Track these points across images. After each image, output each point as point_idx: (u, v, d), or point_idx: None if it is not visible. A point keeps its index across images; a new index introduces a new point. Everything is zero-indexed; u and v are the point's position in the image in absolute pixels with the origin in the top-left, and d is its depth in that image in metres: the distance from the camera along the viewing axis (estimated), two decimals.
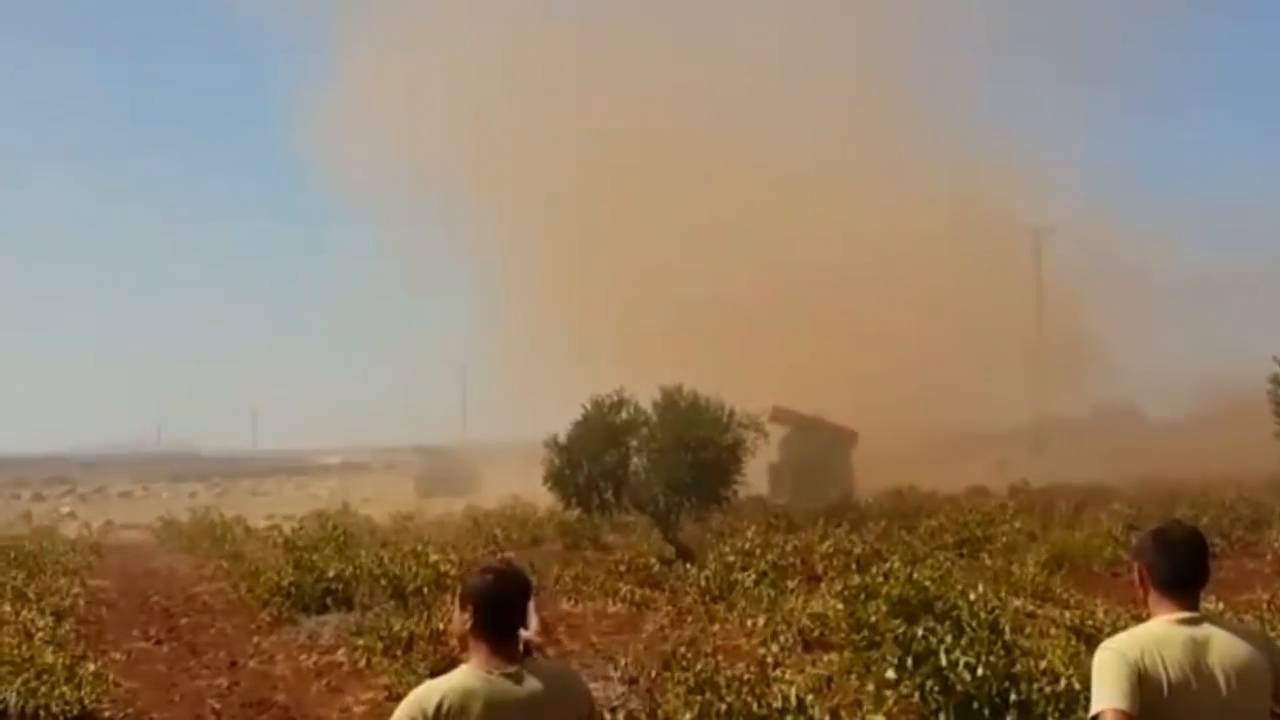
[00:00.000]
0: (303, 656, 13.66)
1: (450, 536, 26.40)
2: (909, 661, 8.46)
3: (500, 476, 49.54)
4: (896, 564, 12.35)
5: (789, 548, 17.93)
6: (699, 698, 8.66)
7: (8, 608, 15.53)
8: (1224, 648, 3.73)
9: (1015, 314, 55.31)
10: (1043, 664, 8.46)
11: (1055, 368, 55.17)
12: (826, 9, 63.73)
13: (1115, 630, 4.23)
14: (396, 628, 13.15)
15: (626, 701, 9.92)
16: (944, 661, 8.22)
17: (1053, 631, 10.75)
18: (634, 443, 23.66)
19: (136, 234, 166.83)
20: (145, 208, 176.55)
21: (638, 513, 24.30)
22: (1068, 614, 11.85)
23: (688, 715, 8.53)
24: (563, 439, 23.73)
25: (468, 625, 3.79)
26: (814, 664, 10.51)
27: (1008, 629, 8.71)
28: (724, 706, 8.38)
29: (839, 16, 62.41)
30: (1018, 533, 20.02)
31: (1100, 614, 11.60)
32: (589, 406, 23.79)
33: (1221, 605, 10.94)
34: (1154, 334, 59.07)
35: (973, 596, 9.41)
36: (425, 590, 15.59)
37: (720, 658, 10.56)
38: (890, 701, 8.60)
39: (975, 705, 8.10)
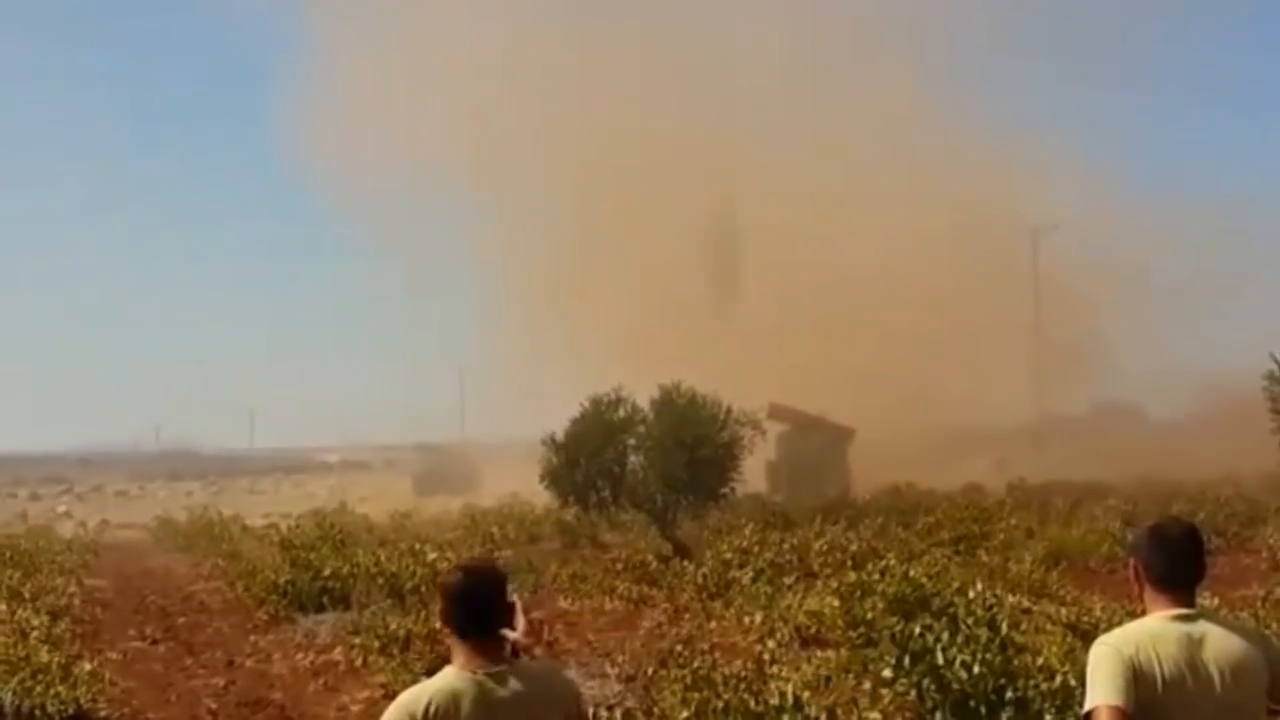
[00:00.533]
0: (299, 655, 13.65)
1: (448, 535, 26.40)
2: (906, 660, 8.45)
3: (499, 475, 49.52)
4: (893, 561, 12.36)
5: (786, 545, 17.92)
6: (696, 695, 8.65)
7: (3, 607, 15.54)
8: (1219, 644, 3.72)
9: (1014, 312, 55.28)
10: (1039, 661, 8.45)
11: (1054, 366, 55.17)
12: (826, 9, 63.75)
13: (1112, 627, 4.22)
14: (393, 626, 13.14)
15: (624, 699, 9.92)
16: (941, 660, 8.21)
17: (1049, 628, 10.75)
18: (631, 441, 23.66)
19: (135, 233, 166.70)
20: (144, 207, 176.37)
21: (635, 511, 24.29)
22: (1064, 610, 11.86)
23: (684, 713, 8.52)
24: (561, 437, 23.73)
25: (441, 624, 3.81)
26: (810, 661, 10.50)
27: (1005, 626, 8.69)
28: (721, 704, 8.37)
29: (838, 17, 62.41)
30: (1014, 529, 20.03)
31: (1097, 611, 11.60)
32: (587, 405, 23.79)
33: (1217, 601, 10.94)
34: (1153, 332, 58.98)
35: (971, 595, 9.39)
36: (422, 589, 15.56)
37: (717, 655, 10.56)
38: (887, 699, 8.59)
39: (972, 703, 8.09)
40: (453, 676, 3.73)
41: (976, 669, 8.10)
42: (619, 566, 18.16)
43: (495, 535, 25.49)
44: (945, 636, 8.39)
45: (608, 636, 13.25)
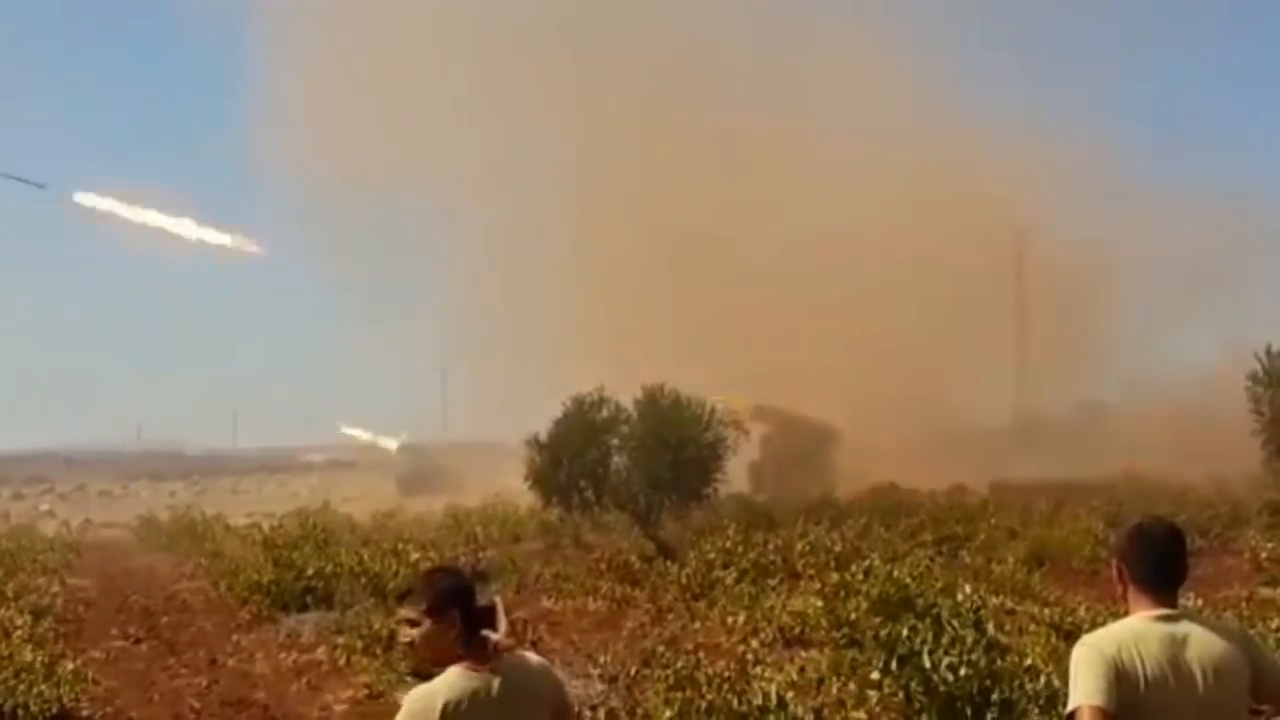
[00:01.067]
0: (282, 655, 13.61)
1: (431, 535, 26.36)
2: (893, 662, 8.46)
3: (482, 475, 49.47)
4: (876, 562, 12.39)
5: (769, 546, 17.93)
6: (679, 695, 8.65)
7: None
8: (1202, 644, 3.73)
9: (998, 312, 55.40)
10: (1025, 662, 8.47)
11: (1038, 366, 55.31)
12: (805, 8, 63.80)
13: (1095, 627, 4.24)
14: (376, 626, 13.11)
15: (607, 699, 9.91)
16: (927, 662, 8.22)
17: (1032, 629, 10.78)
18: (615, 441, 23.67)
19: (115, 231, 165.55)
20: None
21: (618, 511, 24.29)
22: (1047, 611, 11.89)
23: (668, 713, 8.52)
24: (544, 438, 23.72)
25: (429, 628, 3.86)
26: (793, 662, 10.51)
27: (991, 627, 8.71)
28: (704, 704, 8.37)
29: (817, 17, 62.45)
30: (996, 530, 20.08)
31: (1081, 611, 11.64)
32: (570, 404, 23.78)
33: (1200, 602, 11.00)
34: (1137, 333, 59.15)
35: (959, 597, 9.41)
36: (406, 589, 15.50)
37: (700, 655, 10.55)
38: (873, 700, 8.60)
39: (958, 704, 8.11)
40: (457, 675, 3.80)
41: (963, 670, 8.12)
42: (602, 567, 18.16)
43: (479, 535, 25.46)
44: (931, 638, 8.40)
45: (591, 637, 13.25)
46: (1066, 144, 61.62)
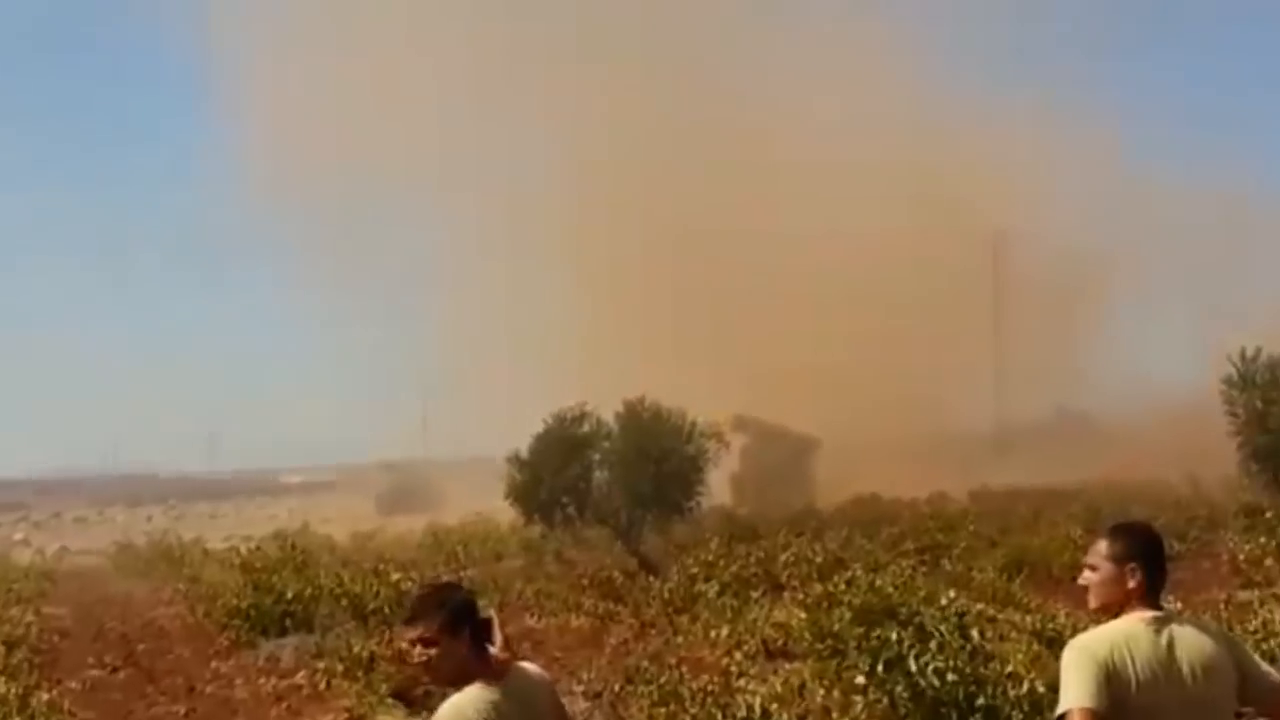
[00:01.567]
0: (262, 680, 13.46)
1: (411, 554, 26.22)
2: (879, 667, 8.44)
3: (462, 493, 49.33)
4: (859, 572, 12.36)
5: (752, 558, 17.90)
6: (663, 710, 8.61)
7: None
8: (1191, 645, 3.77)
9: (976, 318, 55.64)
10: (1007, 668, 8.47)
11: (1016, 372, 55.56)
12: (789, 14, 64.09)
13: (1077, 633, 4.24)
14: (357, 649, 12.99)
15: (591, 716, 9.85)
16: (913, 668, 8.21)
17: (1013, 635, 10.76)
18: (596, 456, 23.60)
19: (87, 258, 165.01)
20: (100, 229, 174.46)
21: (600, 526, 24.21)
22: (1029, 618, 11.88)
23: None
24: (524, 454, 23.63)
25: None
26: (777, 673, 10.46)
27: (976, 634, 8.70)
28: (689, 718, 8.32)
29: (802, 23, 62.76)
30: (976, 537, 20.09)
31: (1061, 617, 11.64)
32: (550, 421, 23.70)
33: (1180, 606, 10.99)
34: (1113, 337, 59.52)
35: (944, 602, 9.40)
36: (387, 610, 15.40)
37: (684, 670, 10.50)
38: (859, 707, 8.57)
39: (944, 710, 8.09)
40: (479, 690, 3.86)
41: (949, 677, 8.11)
42: (585, 583, 18.08)
43: (460, 554, 25.32)
44: (916, 645, 8.38)
45: (574, 653, 13.18)
46: (1044, 150, 62.03)
